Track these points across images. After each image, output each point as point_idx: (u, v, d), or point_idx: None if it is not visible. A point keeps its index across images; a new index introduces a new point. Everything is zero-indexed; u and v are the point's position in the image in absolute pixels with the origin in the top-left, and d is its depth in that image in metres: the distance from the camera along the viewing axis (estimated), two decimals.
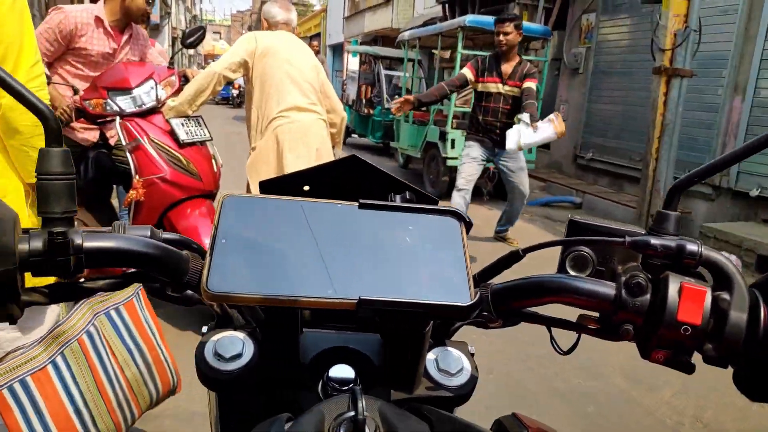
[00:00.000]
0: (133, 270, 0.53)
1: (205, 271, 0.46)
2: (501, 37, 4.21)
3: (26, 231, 0.46)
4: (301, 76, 2.78)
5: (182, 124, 2.63)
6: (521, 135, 3.90)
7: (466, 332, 0.64)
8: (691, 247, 0.47)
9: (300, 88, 2.77)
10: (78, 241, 0.46)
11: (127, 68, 2.66)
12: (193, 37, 2.88)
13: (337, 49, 18.81)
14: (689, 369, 0.47)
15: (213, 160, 2.76)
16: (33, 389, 1.08)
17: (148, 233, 0.53)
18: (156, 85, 2.65)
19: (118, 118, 2.55)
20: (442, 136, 6.53)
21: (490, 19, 6.79)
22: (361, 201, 0.52)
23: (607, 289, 0.49)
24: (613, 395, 2.52)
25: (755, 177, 5.35)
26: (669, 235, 0.49)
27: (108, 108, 2.58)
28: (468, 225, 0.53)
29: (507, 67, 4.32)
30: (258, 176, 2.76)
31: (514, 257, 0.55)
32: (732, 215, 5.51)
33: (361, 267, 0.48)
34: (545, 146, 8.68)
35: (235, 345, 0.53)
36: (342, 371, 0.52)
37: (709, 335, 0.46)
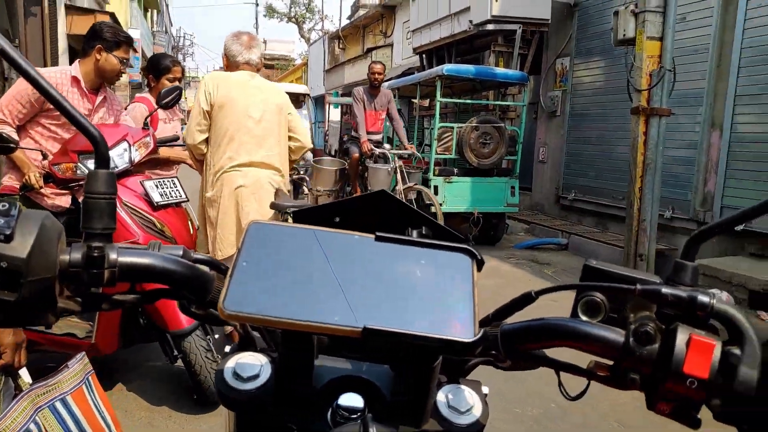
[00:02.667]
0: (161, 287, 0.56)
1: (223, 291, 0.47)
2: None
3: (70, 244, 0.50)
4: (259, 128, 2.78)
5: (156, 186, 2.55)
6: None
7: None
8: (703, 298, 0.46)
9: (258, 140, 2.78)
10: (113, 255, 0.51)
11: (100, 130, 2.59)
12: (169, 97, 2.83)
13: (319, 101, 19.06)
14: (695, 424, 0.46)
15: (189, 222, 2.66)
16: None
17: (181, 252, 0.57)
18: (130, 147, 2.58)
19: None
20: (425, 183, 6.52)
21: (466, 67, 6.92)
22: (378, 234, 0.53)
23: (616, 336, 0.49)
24: None
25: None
26: (684, 286, 0.48)
27: (79, 172, 2.48)
28: (480, 263, 0.54)
29: None
30: (223, 229, 2.78)
31: (527, 299, 0.55)
32: (719, 250, 5.49)
33: (370, 297, 0.49)
34: (527, 188, 8.73)
35: (253, 366, 0.54)
36: (351, 400, 0.52)
37: (717, 390, 0.44)
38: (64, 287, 0.50)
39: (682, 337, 0.46)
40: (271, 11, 32.23)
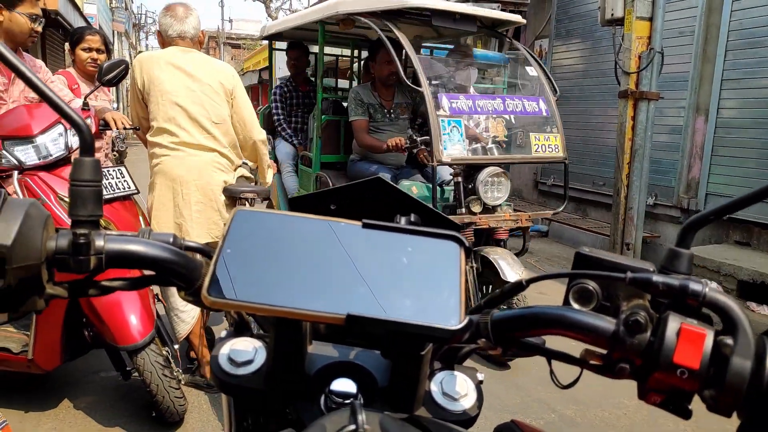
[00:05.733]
0: (150, 273, 0.55)
1: (207, 278, 0.47)
2: None
3: (59, 230, 0.51)
4: (194, 107, 2.37)
5: None
6: None
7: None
8: (695, 287, 0.44)
9: (193, 122, 2.38)
10: (99, 242, 0.51)
11: (30, 111, 2.19)
12: (112, 72, 2.42)
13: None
14: (685, 414, 0.44)
15: (141, 218, 2.31)
16: None
17: (171, 239, 0.56)
18: (66, 131, 2.19)
19: (16, 173, 2.08)
20: None
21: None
22: (365, 221, 0.52)
23: (607, 324, 0.47)
24: None
25: (723, 198, 5.22)
26: (678, 274, 0.47)
27: (4, 161, 2.10)
28: (468, 251, 0.53)
29: None
30: (158, 222, 2.34)
31: (518, 287, 0.52)
32: (703, 238, 5.35)
33: (356, 284, 0.48)
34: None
35: (247, 351, 0.55)
36: (343, 385, 0.51)
37: (709, 381, 0.42)
38: (52, 273, 0.50)
39: (672, 326, 0.43)
40: None
